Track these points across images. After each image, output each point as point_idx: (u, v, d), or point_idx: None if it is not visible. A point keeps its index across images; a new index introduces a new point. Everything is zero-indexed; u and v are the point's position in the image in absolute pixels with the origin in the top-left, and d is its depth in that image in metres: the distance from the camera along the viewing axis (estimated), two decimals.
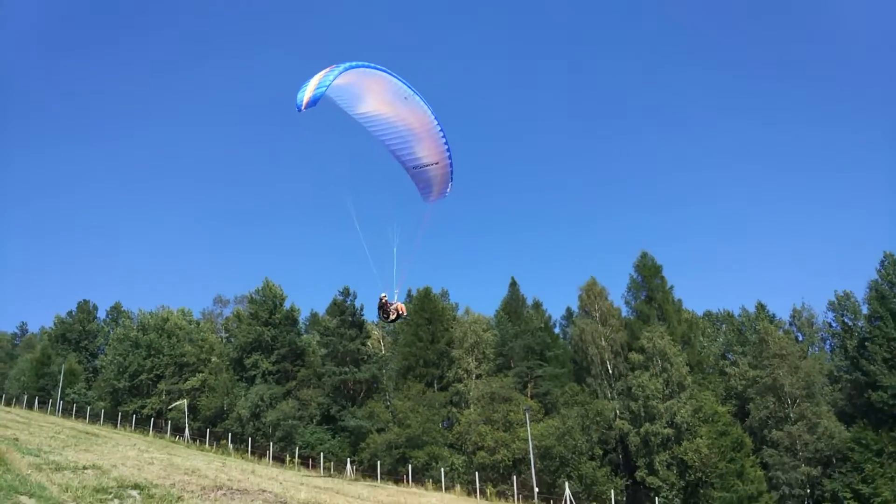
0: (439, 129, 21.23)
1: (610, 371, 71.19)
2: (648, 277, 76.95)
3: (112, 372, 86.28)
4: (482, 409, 66.13)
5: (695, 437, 61.57)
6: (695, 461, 60.12)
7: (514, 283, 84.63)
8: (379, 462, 62.51)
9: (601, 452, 64.43)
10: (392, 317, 22.50)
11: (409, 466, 61.42)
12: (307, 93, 17.59)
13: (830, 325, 77.49)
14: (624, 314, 76.42)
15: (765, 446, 64.78)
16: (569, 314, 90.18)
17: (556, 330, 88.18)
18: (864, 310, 71.48)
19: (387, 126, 21.03)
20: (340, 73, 18.50)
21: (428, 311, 76.55)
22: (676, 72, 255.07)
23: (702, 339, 77.68)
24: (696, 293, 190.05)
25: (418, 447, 63.15)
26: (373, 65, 19.77)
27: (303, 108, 17.56)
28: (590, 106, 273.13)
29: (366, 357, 76.23)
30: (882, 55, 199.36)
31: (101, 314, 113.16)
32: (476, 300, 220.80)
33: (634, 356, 67.94)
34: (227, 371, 79.79)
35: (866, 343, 67.05)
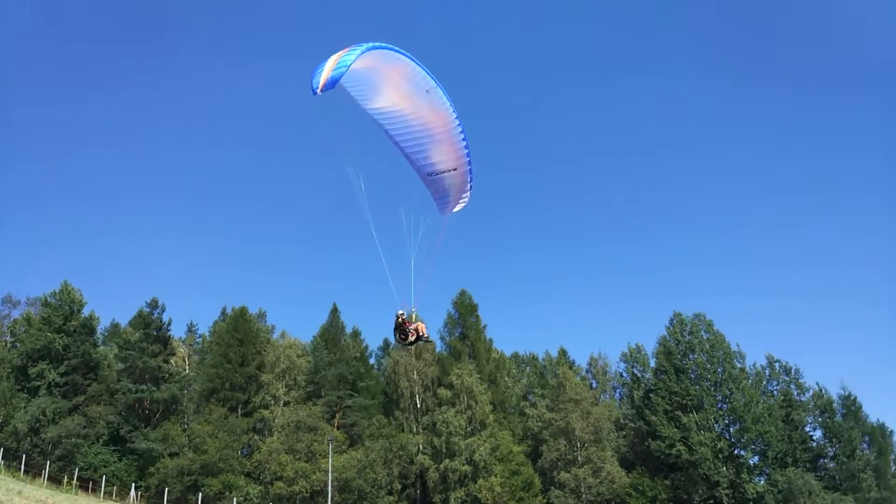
0: (460, 129, 19.31)
1: (418, 405, 73.20)
2: (465, 315, 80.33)
3: None
4: (286, 437, 65.47)
5: (490, 476, 64.68)
6: (488, 499, 63.07)
7: (335, 310, 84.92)
8: (167, 489, 59.88)
9: (400, 487, 65.85)
10: (411, 338, 20.47)
11: (200, 495, 59.36)
12: (324, 74, 15.91)
13: (622, 375, 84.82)
14: (438, 349, 79.07)
15: (553, 487, 69.21)
16: (386, 345, 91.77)
17: (372, 360, 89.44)
18: (652, 363, 78.79)
19: (403, 124, 19.07)
20: (361, 55, 16.57)
21: (241, 331, 74.87)
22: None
23: (507, 379, 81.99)
24: (507, 334, 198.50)
25: (213, 475, 61.26)
26: (396, 48, 17.79)
27: (318, 90, 15.88)
28: None
29: (167, 375, 72.79)
30: None
31: None
32: (296, 324, 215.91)
33: (443, 391, 70.43)
34: (6, 379, 72.94)
35: (651, 394, 73.95)
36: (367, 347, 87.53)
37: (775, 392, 76.91)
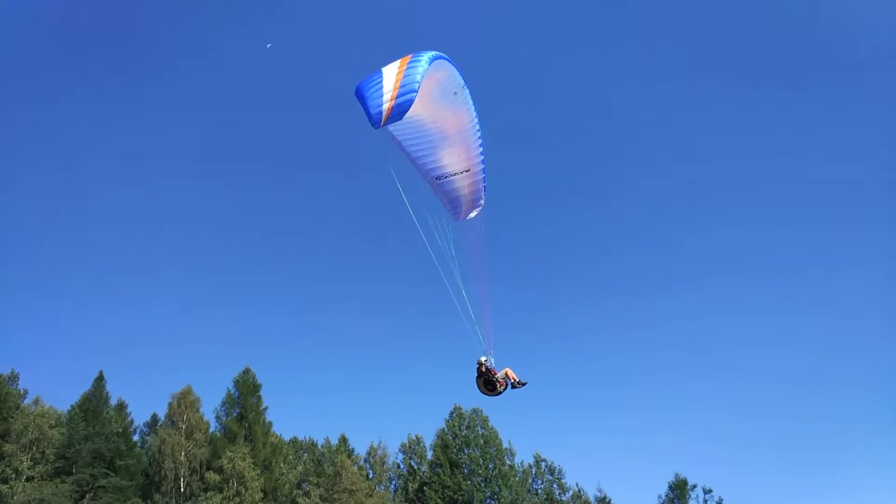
0: (477, 129, 18.49)
1: (182, 489, 69.34)
2: (245, 395, 78.10)
3: None
4: None
5: None
6: None
7: (100, 378, 78.96)
8: None
9: None
10: (500, 389, 18.56)
11: None
12: (389, 101, 14.43)
13: (399, 466, 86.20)
14: (213, 429, 75.91)
15: None
16: (154, 421, 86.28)
17: (136, 437, 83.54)
18: (430, 455, 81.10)
19: (415, 131, 18.12)
20: (426, 72, 15.36)
21: None
22: None
23: (283, 465, 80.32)
24: (290, 417, 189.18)
25: None
26: (443, 54, 17.00)
27: (382, 123, 14.56)
28: None
29: None
30: None
31: None
32: (55, 390, 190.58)
33: (211, 476, 67.55)
34: None
35: (425, 487, 75.90)
36: (132, 422, 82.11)
37: (539, 490, 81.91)
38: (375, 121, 15.24)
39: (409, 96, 15.21)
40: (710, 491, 77.14)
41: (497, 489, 75.59)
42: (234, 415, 77.11)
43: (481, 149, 18.85)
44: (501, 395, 19.17)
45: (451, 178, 18.88)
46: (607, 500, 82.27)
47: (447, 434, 79.41)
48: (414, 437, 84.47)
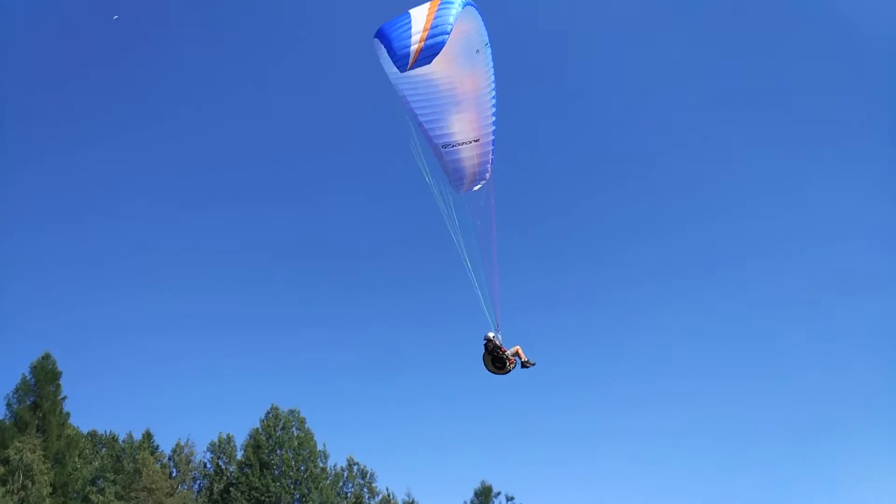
0: (493, 96, 17.04)
1: None
2: (42, 382, 72.93)
3: None
4: None
5: None
6: None
7: None
8: None
9: None
10: (510, 367, 17.25)
11: None
12: (419, 41, 13.00)
13: (206, 466, 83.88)
14: (1, 416, 70.36)
15: None
16: None
17: None
18: (240, 455, 79.64)
19: (427, 90, 16.51)
20: (459, 16, 13.88)
21: None
22: None
23: (77, 459, 75.66)
24: (95, 408, 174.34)
25: None
26: (473, 2, 15.53)
27: (409, 66, 13.24)
28: None
29: None
30: None
31: None
32: None
33: None
34: None
35: (231, 488, 74.55)
36: None
37: (349, 494, 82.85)
38: (402, 63, 14.19)
39: (441, 38, 14.17)
40: (512, 498, 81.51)
41: (306, 491, 75.72)
42: (28, 403, 71.89)
43: (494, 118, 17.67)
44: (510, 373, 18.22)
45: (458, 146, 17.60)
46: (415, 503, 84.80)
47: (261, 434, 78.48)
48: (225, 436, 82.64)
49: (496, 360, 18.02)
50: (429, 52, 14.30)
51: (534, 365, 18.77)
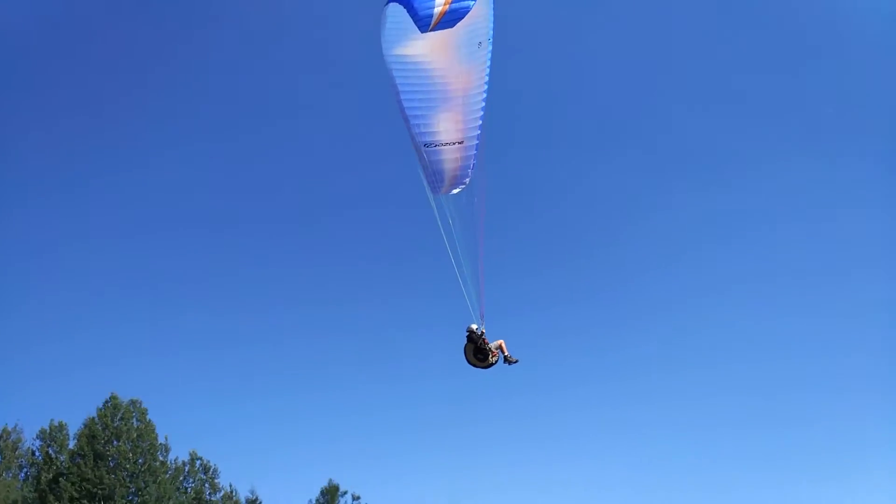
0: (483, 97, 15.82)
1: None
2: None
3: None
4: None
5: None
6: None
7: None
8: None
9: None
10: (492, 360, 16.71)
11: None
12: (444, 3, 12.52)
13: (34, 454, 79.37)
14: None
15: None
16: None
17: None
18: (72, 444, 75.92)
19: (419, 79, 15.48)
20: None
21: None
22: None
23: None
24: None
25: None
26: None
27: (432, 26, 12.84)
28: None
29: None
30: None
31: None
32: None
33: None
34: None
35: (60, 478, 70.97)
36: None
37: (189, 489, 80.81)
38: (424, 23, 13.72)
39: (467, 3, 13.99)
40: (358, 497, 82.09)
41: (143, 485, 73.21)
42: None
43: (480, 121, 16.83)
44: (491, 367, 17.68)
45: (441, 147, 16.81)
46: (258, 501, 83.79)
47: (97, 424, 75.04)
48: (56, 424, 78.42)
49: (478, 351, 17.68)
50: (453, 16, 14.31)
51: (516, 362, 18.47)
